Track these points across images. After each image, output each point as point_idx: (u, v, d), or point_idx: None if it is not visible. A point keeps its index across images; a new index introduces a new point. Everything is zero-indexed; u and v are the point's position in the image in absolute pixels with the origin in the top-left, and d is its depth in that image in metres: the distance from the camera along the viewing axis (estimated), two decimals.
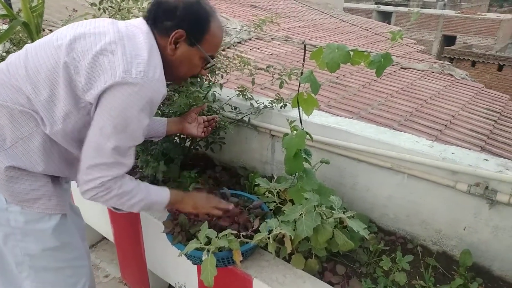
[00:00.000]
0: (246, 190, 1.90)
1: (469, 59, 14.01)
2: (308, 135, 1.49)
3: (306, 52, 1.58)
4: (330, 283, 1.42)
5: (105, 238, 2.61)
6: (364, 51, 1.27)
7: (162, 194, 1.34)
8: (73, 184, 1.51)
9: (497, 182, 1.42)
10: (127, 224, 1.96)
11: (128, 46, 1.12)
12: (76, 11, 2.61)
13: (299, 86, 1.43)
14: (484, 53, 14.29)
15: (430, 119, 3.38)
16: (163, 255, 1.81)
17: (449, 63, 6.03)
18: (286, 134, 1.53)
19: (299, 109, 1.49)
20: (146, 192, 1.27)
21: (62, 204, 1.31)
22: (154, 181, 1.98)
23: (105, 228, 2.17)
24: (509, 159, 1.57)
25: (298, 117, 1.57)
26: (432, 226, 1.65)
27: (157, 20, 1.20)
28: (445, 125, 3.30)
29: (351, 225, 1.32)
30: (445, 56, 14.14)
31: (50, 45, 1.15)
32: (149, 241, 1.88)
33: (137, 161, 1.97)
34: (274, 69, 1.97)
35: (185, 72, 1.31)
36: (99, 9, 1.92)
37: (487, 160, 1.51)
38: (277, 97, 1.98)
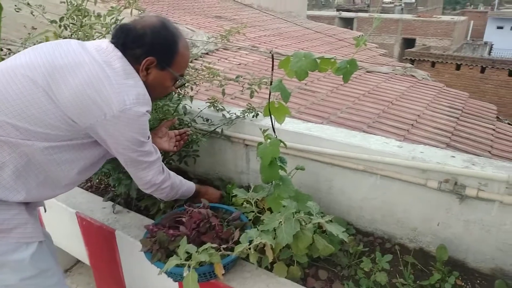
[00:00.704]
0: (224, 202, 1.88)
1: (428, 60, 14.60)
2: (282, 143, 1.50)
3: (274, 60, 1.59)
4: None
5: (80, 261, 2.52)
6: (331, 58, 1.30)
7: (190, 186, 1.64)
8: (42, 207, 1.45)
9: (464, 178, 1.48)
10: (102, 245, 1.89)
11: (111, 75, 1.16)
12: (36, 29, 2.53)
13: (269, 95, 1.44)
14: (442, 54, 14.95)
15: (397, 120, 3.47)
16: (143, 275, 1.76)
17: (411, 65, 6.25)
18: (260, 143, 1.53)
19: (271, 117, 1.50)
20: (183, 183, 1.58)
21: (38, 231, 1.27)
22: (127, 199, 1.93)
23: (80, 250, 2.08)
24: (473, 154, 1.64)
25: (271, 126, 1.58)
26: (408, 225, 1.69)
27: (126, 47, 1.23)
28: (412, 125, 3.40)
29: (330, 229, 1.34)
30: (406, 58, 14.68)
31: (20, 74, 1.13)
32: (126, 261, 1.82)
33: (109, 179, 1.92)
34: (243, 79, 1.98)
35: (158, 94, 1.39)
36: (59, 26, 1.85)
37: (454, 157, 1.56)
38: (249, 107, 1.99)
